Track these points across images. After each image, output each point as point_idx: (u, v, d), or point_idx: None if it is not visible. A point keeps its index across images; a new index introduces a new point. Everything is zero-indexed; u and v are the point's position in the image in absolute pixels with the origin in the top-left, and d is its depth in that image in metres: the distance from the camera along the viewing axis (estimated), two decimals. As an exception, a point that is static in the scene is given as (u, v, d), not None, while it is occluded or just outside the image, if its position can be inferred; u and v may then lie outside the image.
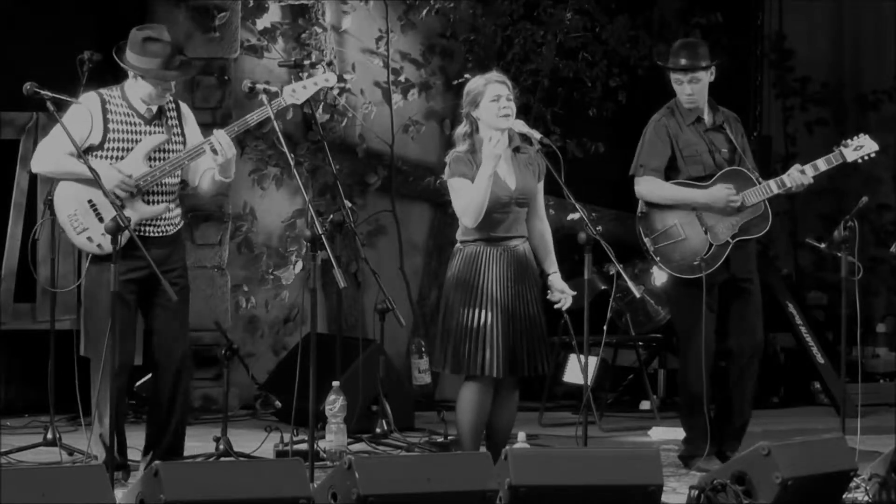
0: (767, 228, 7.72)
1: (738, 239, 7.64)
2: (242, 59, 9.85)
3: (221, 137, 6.78)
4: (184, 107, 7.07)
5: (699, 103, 7.74)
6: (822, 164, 7.71)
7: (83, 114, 6.81)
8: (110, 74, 7.42)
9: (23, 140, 9.31)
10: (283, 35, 9.95)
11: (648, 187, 7.66)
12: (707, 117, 7.77)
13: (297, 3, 9.97)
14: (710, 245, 7.62)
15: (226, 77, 9.68)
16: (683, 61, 7.73)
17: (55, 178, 6.90)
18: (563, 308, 7.07)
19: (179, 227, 7.03)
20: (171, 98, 6.99)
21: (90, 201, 6.80)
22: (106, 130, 6.82)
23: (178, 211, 7.03)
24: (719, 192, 7.61)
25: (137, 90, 6.87)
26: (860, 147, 7.73)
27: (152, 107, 6.89)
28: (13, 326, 9.19)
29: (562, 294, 7.05)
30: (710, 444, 7.60)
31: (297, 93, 6.96)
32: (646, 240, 7.67)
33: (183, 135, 6.97)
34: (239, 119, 7.05)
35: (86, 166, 6.60)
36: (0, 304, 9.20)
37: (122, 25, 9.28)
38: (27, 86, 6.57)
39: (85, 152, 6.70)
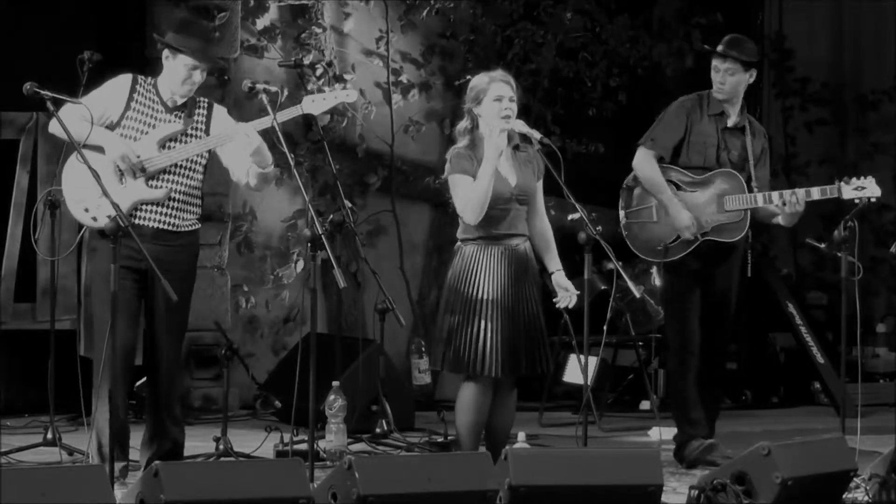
0: (739, 237, 7.70)
1: (705, 238, 7.66)
2: (242, 58, 9.85)
3: (245, 127, 6.83)
4: (219, 109, 7.07)
5: (728, 97, 7.71)
6: (816, 193, 7.61)
7: (105, 92, 6.91)
8: (110, 74, 7.42)
9: (23, 140, 9.31)
10: (282, 35, 9.95)
11: (643, 160, 7.69)
12: (732, 117, 7.75)
13: (297, 3, 9.98)
14: (677, 236, 7.65)
15: (226, 77, 9.68)
16: (723, 48, 7.69)
17: (65, 139, 6.91)
18: (569, 306, 7.05)
19: (189, 229, 6.99)
20: (206, 100, 7.04)
21: (97, 175, 6.82)
22: (127, 108, 6.87)
23: (192, 210, 6.98)
24: (682, 217, 7.60)
25: (168, 80, 6.91)
26: (861, 188, 7.55)
27: (177, 99, 6.92)
28: (13, 326, 9.19)
29: (566, 292, 7.04)
30: (689, 428, 7.66)
31: (316, 103, 6.97)
32: (621, 211, 7.72)
33: (206, 132, 6.96)
34: (259, 119, 7.02)
35: (98, 135, 6.70)
36: (0, 304, 9.21)
37: (123, 26, 9.35)
38: (27, 86, 6.56)
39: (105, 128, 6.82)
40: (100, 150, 6.77)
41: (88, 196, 6.79)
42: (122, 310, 6.54)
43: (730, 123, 7.75)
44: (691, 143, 7.71)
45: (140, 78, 6.98)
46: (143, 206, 6.85)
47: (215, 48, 6.97)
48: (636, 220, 7.72)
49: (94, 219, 6.81)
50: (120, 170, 6.80)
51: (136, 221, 6.77)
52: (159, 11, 9.53)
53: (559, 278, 7.07)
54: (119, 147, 6.79)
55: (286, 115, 6.90)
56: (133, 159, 6.79)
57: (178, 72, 6.88)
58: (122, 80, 6.97)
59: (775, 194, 7.61)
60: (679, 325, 7.74)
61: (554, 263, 7.11)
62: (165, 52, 6.91)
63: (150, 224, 6.85)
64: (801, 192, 7.59)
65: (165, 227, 6.89)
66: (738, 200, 7.63)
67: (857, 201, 7.53)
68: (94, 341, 6.98)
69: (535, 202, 7.11)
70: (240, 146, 6.85)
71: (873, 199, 7.64)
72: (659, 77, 10.88)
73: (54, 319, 7.99)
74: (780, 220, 7.69)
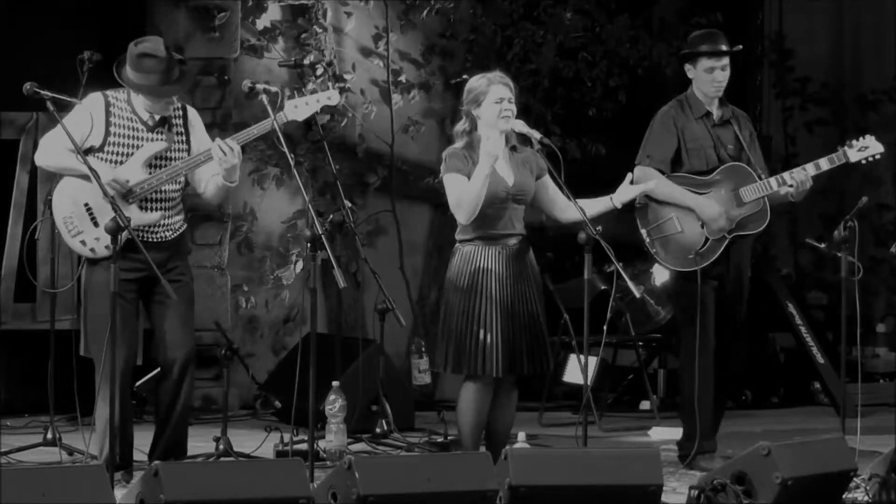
0: (765, 226, 7.70)
1: (734, 234, 7.63)
2: (242, 59, 9.85)
3: (225, 145, 6.75)
4: (192, 113, 7.02)
5: (721, 93, 7.72)
6: (824, 164, 7.65)
7: (84, 114, 6.81)
8: (110, 74, 7.40)
9: (23, 140, 9.31)
10: (283, 35, 9.95)
11: (645, 177, 7.65)
12: (716, 112, 7.75)
13: (297, 3, 9.98)
14: (707, 239, 7.62)
15: (226, 77, 9.68)
16: (724, 47, 7.70)
17: (56, 172, 6.90)
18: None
19: (180, 232, 6.98)
20: (179, 105, 6.97)
21: (86, 204, 6.79)
22: (107, 133, 6.80)
23: (179, 217, 6.98)
24: (709, 208, 7.59)
25: (143, 102, 6.84)
26: (865, 148, 7.64)
27: (156, 116, 6.86)
28: (13, 326, 9.19)
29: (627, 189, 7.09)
30: (703, 441, 7.61)
31: (299, 108, 6.92)
32: (642, 231, 7.67)
33: (187, 142, 6.92)
34: (243, 130, 6.98)
35: (84, 165, 6.60)
36: (0, 304, 9.20)
37: (123, 26, 9.35)
38: (27, 86, 6.56)
39: (85, 153, 6.69)
40: (86, 178, 6.71)
41: (84, 228, 6.77)
42: (120, 322, 6.56)
43: (716, 120, 7.75)
44: (689, 149, 7.69)
45: (111, 96, 6.86)
46: (139, 227, 6.82)
47: (176, 71, 6.81)
48: (661, 235, 7.64)
49: (93, 250, 6.80)
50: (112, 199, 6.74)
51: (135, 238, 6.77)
52: (159, 11, 9.53)
53: (620, 191, 7.10)
54: (104, 174, 6.69)
55: (266, 126, 6.86)
56: (121, 183, 6.74)
57: (149, 102, 6.81)
58: (95, 103, 6.84)
59: (786, 175, 7.61)
60: (700, 331, 7.60)
61: (603, 200, 7.10)
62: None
63: (149, 240, 6.82)
64: (810, 166, 7.61)
65: (159, 239, 6.88)
66: (755, 190, 7.61)
67: (861, 201, 7.54)
68: (91, 348, 6.93)
69: (553, 197, 7.10)
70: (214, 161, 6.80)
71: (878, 157, 7.67)
72: (659, 77, 10.88)
73: (54, 319, 7.99)
74: (790, 197, 7.69)
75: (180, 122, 6.94)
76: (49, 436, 7.71)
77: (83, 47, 7.68)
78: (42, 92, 6.55)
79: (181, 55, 8.03)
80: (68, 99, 6.76)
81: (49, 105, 6.55)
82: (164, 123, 6.87)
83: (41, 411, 8.27)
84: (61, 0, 9.44)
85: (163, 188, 6.86)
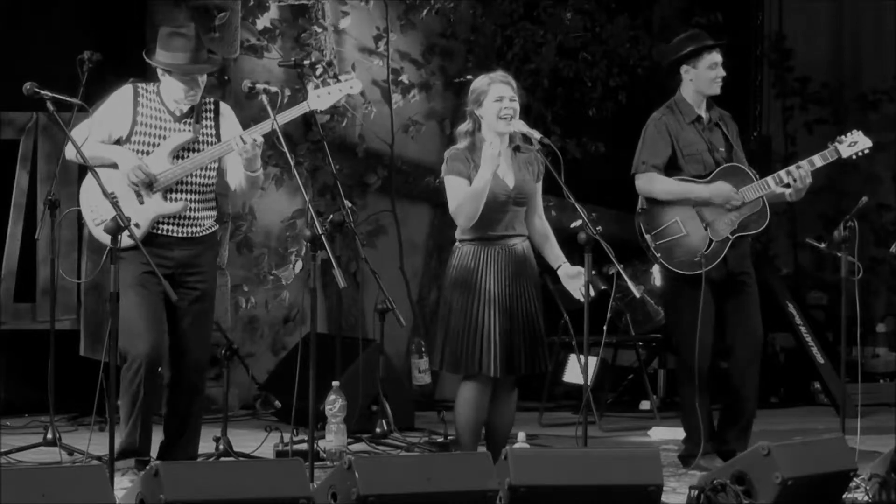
0: (766, 225, 7.71)
1: (736, 235, 7.63)
2: (242, 59, 9.85)
3: (247, 135, 6.76)
4: (224, 107, 7.02)
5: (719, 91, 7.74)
6: (818, 160, 7.66)
7: (110, 106, 6.86)
8: (110, 74, 7.40)
9: (23, 140, 9.31)
10: (282, 35, 9.96)
11: (650, 182, 7.64)
12: (704, 115, 7.76)
13: (296, 3, 9.98)
14: (711, 241, 7.61)
15: (226, 77, 9.67)
16: (715, 40, 7.73)
17: (86, 165, 6.89)
18: (592, 295, 6.93)
19: (210, 231, 6.96)
20: (212, 100, 6.99)
21: (112, 194, 6.79)
22: (134, 122, 6.82)
23: (210, 215, 6.96)
24: (721, 189, 7.60)
25: (170, 89, 6.86)
26: (854, 143, 7.70)
27: (183, 106, 6.87)
28: (13, 326, 9.18)
29: (575, 280, 6.95)
30: (706, 442, 7.59)
31: (322, 98, 6.94)
32: (646, 236, 7.64)
33: (217, 136, 6.90)
34: (262, 121, 6.97)
35: (110, 152, 6.69)
36: (0, 304, 9.20)
37: (123, 26, 9.35)
38: (27, 86, 6.56)
39: (114, 144, 6.78)
40: (114, 167, 6.75)
41: (108, 217, 6.77)
42: (148, 313, 6.65)
43: (705, 123, 7.76)
44: (686, 156, 7.68)
45: (141, 88, 6.91)
46: (164, 219, 6.83)
47: (205, 52, 6.87)
48: (665, 240, 7.62)
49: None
50: (136, 186, 6.76)
51: (161, 232, 6.79)
52: (159, 11, 9.53)
53: (566, 269, 7.03)
54: (130, 161, 6.75)
55: (294, 112, 6.89)
56: (145, 171, 6.75)
57: (178, 86, 6.83)
58: (124, 94, 6.89)
59: (783, 173, 7.62)
60: (692, 334, 7.57)
61: (559, 259, 7.08)
62: (160, 70, 6.87)
63: (174, 234, 6.84)
64: (805, 163, 7.63)
65: (188, 235, 6.88)
66: (754, 190, 7.62)
67: (861, 201, 7.55)
68: (117, 346, 6.91)
69: (534, 203, 7.10)
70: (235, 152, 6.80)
71: (867, 151, 7.73)
72: (659, 77, 10.88)
73: (54, 319, 7.98)
74: (789, 196, 7.69)
75: (211, 115, 6.94)
76: (49, 436, 7.70)
77: (83, 47, 7.68)
78: (42, 92, 6.55)
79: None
80: (68, 99, 6.76)
81: (49, 105, 6.55)
82: (191, 115, 6.88)
83: (41, 411, 8.26)
84: (61, 0, 9.44)
85: (189, 179, 6.85)
